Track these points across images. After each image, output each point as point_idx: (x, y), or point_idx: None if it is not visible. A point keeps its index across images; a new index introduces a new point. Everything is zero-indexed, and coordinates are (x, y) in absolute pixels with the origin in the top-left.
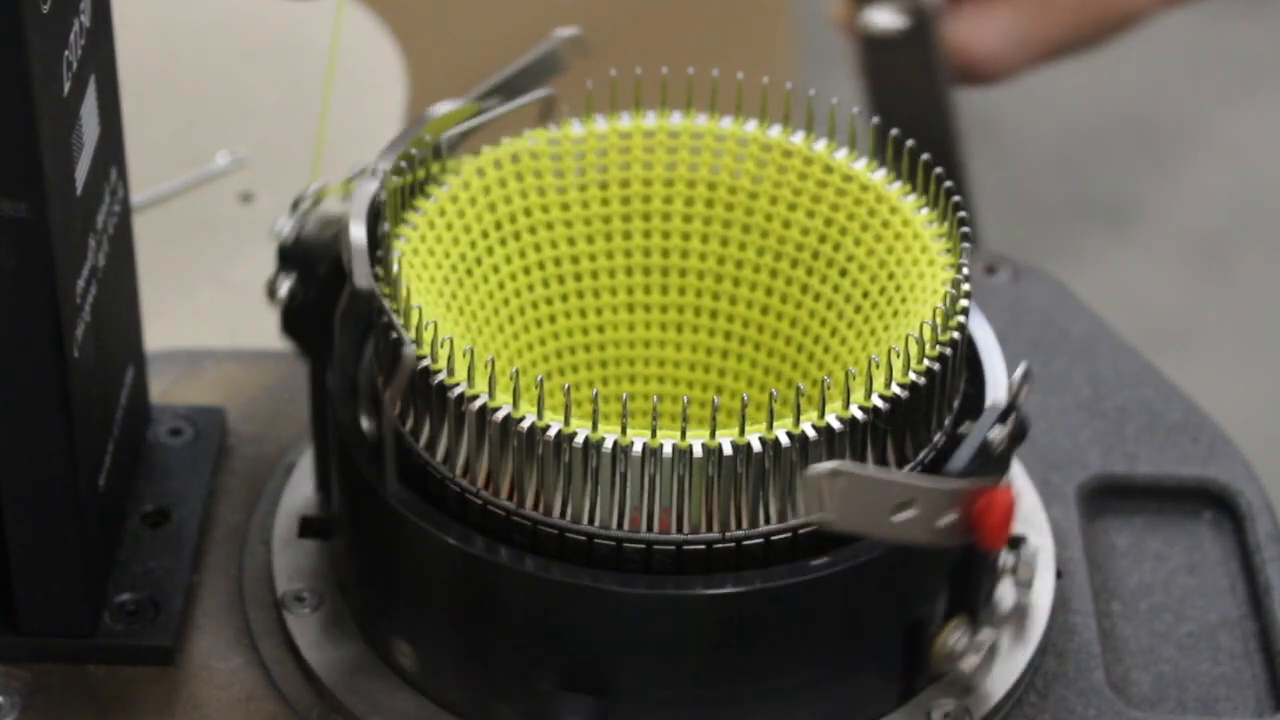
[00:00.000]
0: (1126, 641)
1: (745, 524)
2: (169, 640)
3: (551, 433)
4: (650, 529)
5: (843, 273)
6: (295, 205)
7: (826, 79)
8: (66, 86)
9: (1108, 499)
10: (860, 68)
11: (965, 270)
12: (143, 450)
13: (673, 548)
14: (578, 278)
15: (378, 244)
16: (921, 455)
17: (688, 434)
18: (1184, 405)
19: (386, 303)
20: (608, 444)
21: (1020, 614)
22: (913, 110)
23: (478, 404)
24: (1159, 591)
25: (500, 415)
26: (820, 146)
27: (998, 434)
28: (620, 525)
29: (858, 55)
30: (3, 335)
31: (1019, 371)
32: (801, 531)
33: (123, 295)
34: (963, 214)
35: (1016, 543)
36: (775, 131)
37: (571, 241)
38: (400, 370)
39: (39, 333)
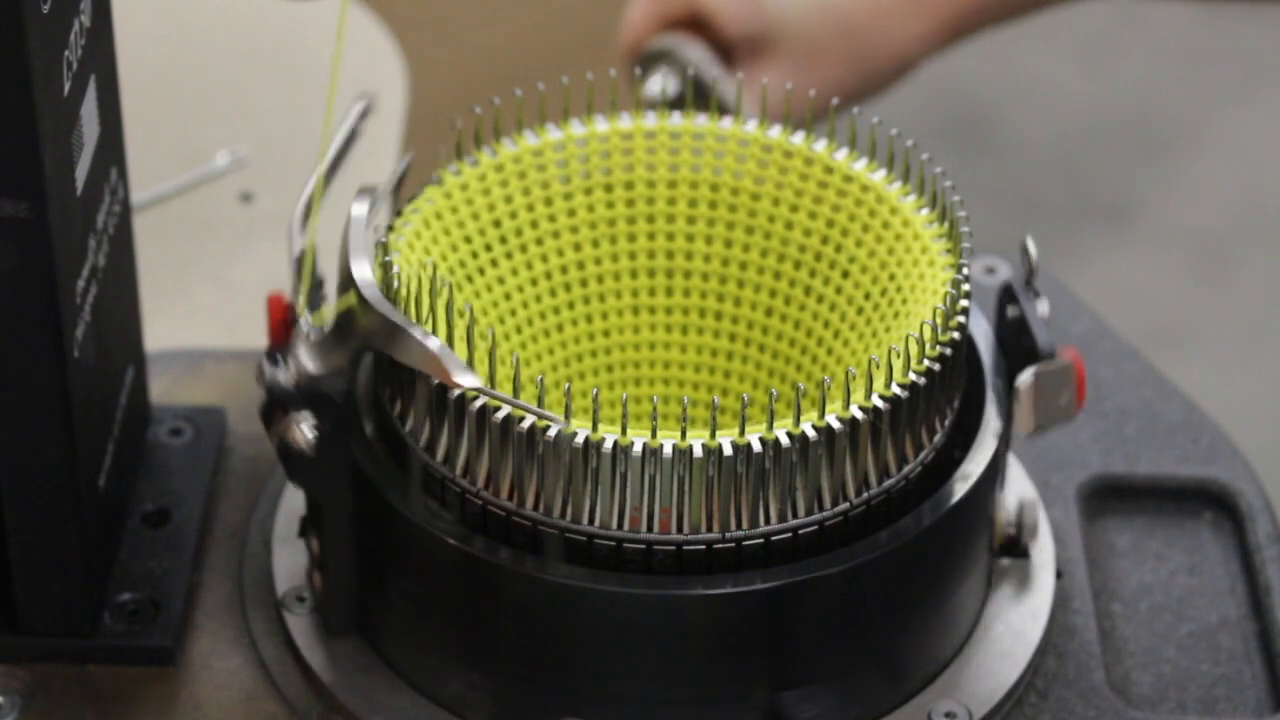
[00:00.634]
0: (1127, 642)
1: (745, 524)
2: (169, 640)
3: (552, 433)
4: (650, 529)
5: (844, 274)
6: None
7: None
8: (66, 86)
9: (1108, 499)
10: None
11: (965, 270)
12: (143, 450)
13: (673, 548)
14: (584, 283)
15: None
16: (922, 455)
17: (688, 434)
18: (1184, 405)
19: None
20: (608, 444)
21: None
22: None
23: (478, 404)
24: (1159, 592)
25: (500, 415)
26: (820, 147)
27: (1044, 307)
28: (620, 525)
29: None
30: (3, 335)
31: (1028, 243)
32: (801, 532)
33: (123, 295)
34: (962, 214)
35: (1016, 548)
36: (775, 132)
37: (577, 247)
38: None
39: (39, 333)
